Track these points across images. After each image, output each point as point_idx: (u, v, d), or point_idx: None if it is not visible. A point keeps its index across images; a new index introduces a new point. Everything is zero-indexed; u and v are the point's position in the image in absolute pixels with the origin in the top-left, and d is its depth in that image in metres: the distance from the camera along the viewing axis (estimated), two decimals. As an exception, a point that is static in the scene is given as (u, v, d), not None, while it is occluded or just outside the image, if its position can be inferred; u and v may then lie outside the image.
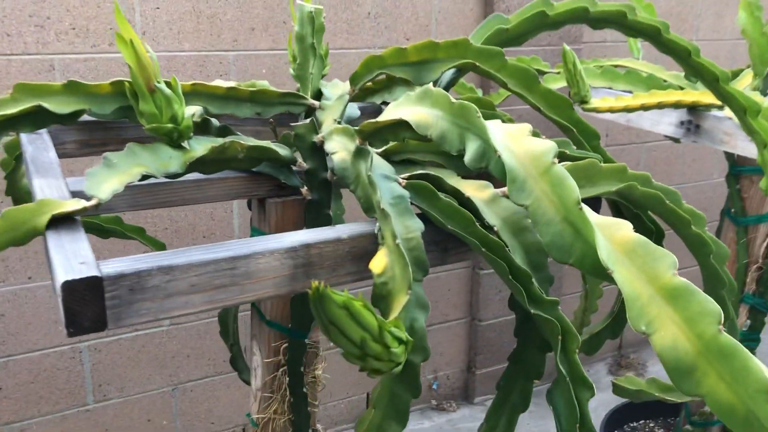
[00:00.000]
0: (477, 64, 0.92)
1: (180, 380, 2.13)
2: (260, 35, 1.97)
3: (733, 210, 1.61)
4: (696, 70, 1.04)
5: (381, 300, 0.72)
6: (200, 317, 2.10)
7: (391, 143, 0.89)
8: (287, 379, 1.06)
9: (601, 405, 2.56)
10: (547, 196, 0.59)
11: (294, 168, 0.96)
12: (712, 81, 1.02)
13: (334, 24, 2.06)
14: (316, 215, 0.95)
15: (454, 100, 0.68)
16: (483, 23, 1.06)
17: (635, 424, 2.04)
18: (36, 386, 1.93)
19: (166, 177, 0.85)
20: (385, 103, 1.11)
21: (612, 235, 0.56)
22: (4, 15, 1.68)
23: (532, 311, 0.76)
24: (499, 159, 0.62)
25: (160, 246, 1.30)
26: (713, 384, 0.50)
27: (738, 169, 1.59)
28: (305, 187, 0.95)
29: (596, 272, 0.56)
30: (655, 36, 1.01)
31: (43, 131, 0.97)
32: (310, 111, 1.04)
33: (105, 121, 1.03)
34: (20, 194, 1.24)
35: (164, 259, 0.69)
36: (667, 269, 0.53)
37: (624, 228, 0.57)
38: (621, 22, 1.01)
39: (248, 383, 1.17)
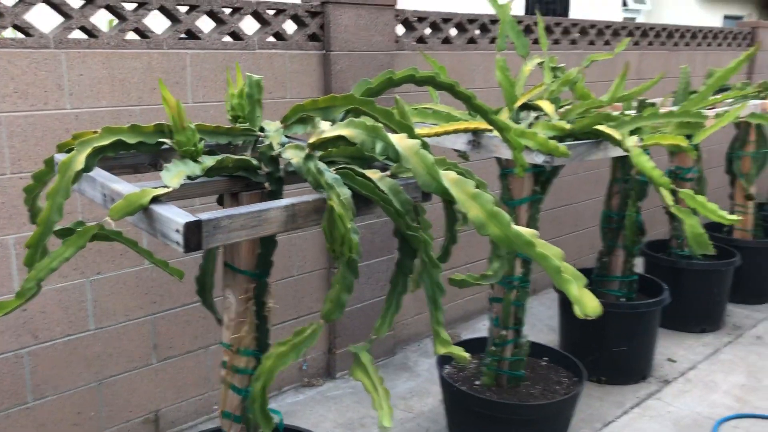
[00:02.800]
0: (360, 107, 1.63)
1: (104, 376, 2.56)
2: (159, 94, 2.53)
3: (505, 197, 2.48)
4: (475, 108, 1.83)
5: (324, 229, 1.40)
6: (120, 321, 2.56)
7: (321, 153, 1.57)
8: (254, 308, 1.68)
9: (434, 366, 3.35)
10: (418, 163, 1.32)
11: (259, 172, 1.60)
12: (485, 114, 1.83)
13: (215, 83, 2.68)
14: (274, 200, 1.60)
15: (368, 123, 1.40)
16: (358, 83, 1.78)
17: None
18: (-15, 389, 2.28)
19: (189, 179, 1.46)
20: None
21: (447, 175, 1.30)
22: (-37, 82, 2.10)
23: (408, 232, 1.49)
24: (395, 149, 1.34)
25: (148, 253, 1.83)
26: (493, 228, 1.24)
27: (506, 170, 2.47)
28: (267, 183, 1.60)
29: (443, 192, 1.29)
30: (451, 89, 1.80)
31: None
32: (256, 140, 1.69)
33: (121, 157, 1.60)
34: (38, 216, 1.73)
35: (227, 212, 1.32)
36: (471, 187, 1.28)
37: (452, 174, 1.31)
38: (433, 82, 1.78)
39: (220, 321, 1.76)
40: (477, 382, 2.60)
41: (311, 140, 1.50)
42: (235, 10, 2.70)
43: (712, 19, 11.14)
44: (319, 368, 3.30)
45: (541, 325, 3.90)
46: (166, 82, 2.55)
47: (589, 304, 1.20)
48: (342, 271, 1.43)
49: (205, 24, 2.65)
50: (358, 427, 2.89)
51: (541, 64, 2.66)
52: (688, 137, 2.29)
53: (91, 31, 2.36)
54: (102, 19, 2.46)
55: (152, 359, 2.68)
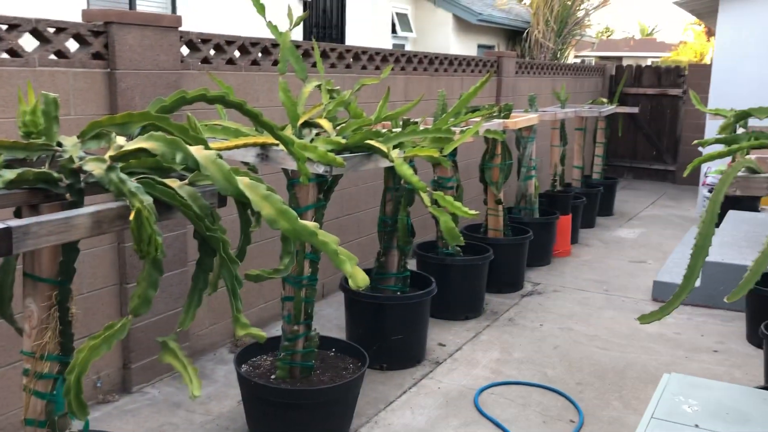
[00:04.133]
0: (156, 122, 1.81)
1: None
2: (-69, 108, 2.44)
3: (292, 205, 2.75)
4: (263, 125, 2.08)
5: (132, 231, 1.56)
6: None
7: (122, 164, 1.72)
8: (58, 314, 1.76)
9: (230, 372, 3.51)
10: (216, 171, 1.54)
11: (60, 184, 1.70)
12: (272, 130, 2.08)
13: None
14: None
15: (167, 137, 1.58)
16: (153, 101, 1.94)
17: (255, 358, 3.03)
18: None
19: (-10, 191, 1.54)
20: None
21: (242, 180, 1.53)
22: None
23: (207, 233, 1.69)
24: (194, 159, 1.54)
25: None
26: (283, 223, 1.50)
27: (292, 181, 2.74)
28: (68, 194, 1.70)
29: (239, 195, 1.52)
30: (240, 107, 2.03)
31: None
32: (54, 154, 1.78)
33: None
34: None
35: (37, 219, 1.42)
36: (263, 189, 1.52)
37: (246, 179, 1.55)
38: (223, 101, 2.00)
39: (20, 331, 1.81)
40: (272, 377, 2.83)
41: (112, 153, 1.65)
42: (13, 26, 2.68)
43: (469, 46, 12.52)
44: (114, 384, 3.30)
45: (330, 325, 4.23)
46: (-62, 97, 2.46)
47: (359, 277, 1.50)
48: (148, 269, 1.59)
49: (-20, 39, 2.60)
50: (158, 435, 2.96)
51: (319, 86, 2.98)
52: (441, 150, 2.75)
53: None
54: None
55: (-71, 388, 2.54)
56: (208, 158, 1.55)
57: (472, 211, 2.37)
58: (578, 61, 18.78)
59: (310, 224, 1.48)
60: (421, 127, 2.86)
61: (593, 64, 14.36)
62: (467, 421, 3.16)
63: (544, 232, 5.57)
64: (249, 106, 2.00)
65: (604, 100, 8.11)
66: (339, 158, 2.33)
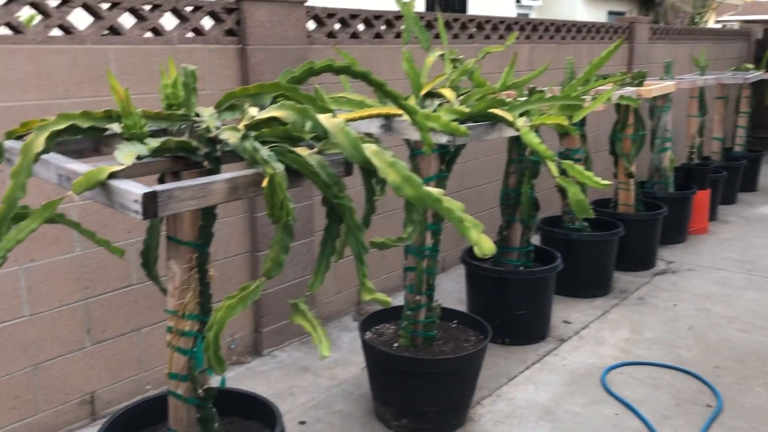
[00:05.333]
0: (286, 93, 1.85)
1: (39, 360, 2.65)
2: (86, 87, 2.65)
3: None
4: (387, 94, 2.09)
5: (266, 196, 1.62)
6: (53, 307, 2.66)
7: (255, 133, 1.78)
8: (197, 276, 1.87)
9: (354, 339, 3.60)
10: (343, 138, 1.56)
11: (198, 152, 1.79)
12: (396, 100, 2.08)
13: (138, 76, 2.81)
14: (213, 176, 1.79)
15: (298, 106, 1.62)
16: (283, 72, 1.99)
17: (378, 326, 3.08)
18: (-77, 377, 2.34)
19: (138, 159, 1.64)
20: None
21: (368, 147, 1.55)
22: None
23: (335, 201, 1.72)
24: (323, 127, 1.57)
25: (90, 234, 1.97)
26: (408, 189, 1.50)
27: (414, 151, 2.74)
28: (206, 162, 1.79)
29: (365, 162, 1.54)
30: (365, 77, 2.04)
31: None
32: (193, 124, 1.88)
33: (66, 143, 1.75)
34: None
35: (178, 184, 1.51)
36: (389, 157, 1.53)
37: (373, 146, 1.56)
38: (349, 71, 2.02)
39: (164, 291, 1.94)
40: (395, 345, 2.87)
41: (246, 122, 1.71)
42: (155, 6, 2.84)
43: (598, 14, 11.95)
44: (246, 346, 3.48)
45: (450, 298, 4.23)
46: (91, 76, 2.66)
47: (485, 245, 1.47)
48: (280, 234, 1.65)
49: (127, 20, 2.78)
50: (287, 396, 3.10)
51: (442, 56, 2.95)
52: (570, 118, 2.64)
53: (16, 28, 2.45)
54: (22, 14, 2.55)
55: (86, 343, 2.79)
56: (337, 126, 1.57)
57: (605, 181, 2.27)
58: (719, 26, 17.45)
59: (435, 191, 1.47)
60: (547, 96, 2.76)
61: (736, 28, 13.28)
62: (594, 399, 3.06)
63: (679, 207, 5.25)
64: (374, 75, 2.00)
65: (750, 66, 7.48)
66: (462, 127, 2.30)
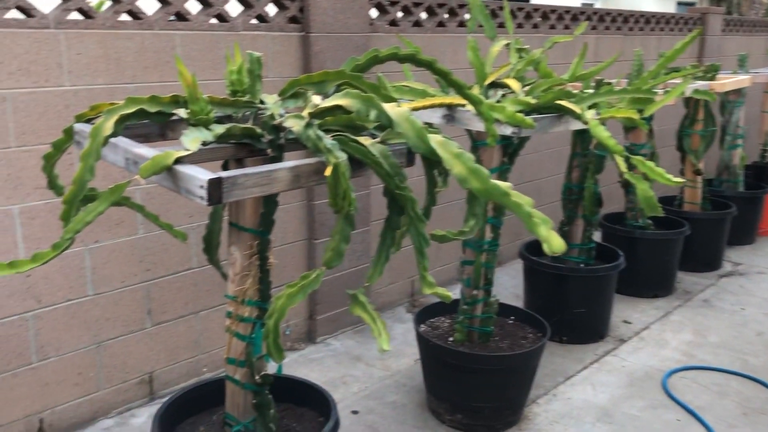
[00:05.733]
0: (350, 81, 1.83)
1: (102, 339, 2.72)
2: (152, 72, 2.69)
3: (476, 168, 2.70)
4: (452, 84, 2.04)
5: (329, 186, 1.60)
6: (116, 287, 2.72)
7: (318, 122, 1.76)
8: (258, 262, 1.87)
9: (407, 331, 3.58)
10: (408, 128, 1.53)
11: (262, 139, 1.79)
12: (461, 89, 2.03)
13: (202, 62, 2.83)
14: (275, 164, 1.78)
15: (363, 94, 1.59)
16: (347, 60, 1.97)
17: (433, 319, 3.05)
18: (-7, 350, 2.43)
19: (203, 145, 1.64)
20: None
21: (433, 138, 1.51)
22: (-30, 60, 2.23)
23: (397, 191, 1.69)
24: (388, 116, 1.54)
25: (154, 217, 2.00)
26: (474, 182, 1.46)
27: (477, 143, 2.69)
28: (269, 149, 1.78)
29: (430, 152, 1.50)
30: (430, 66, 2.00)
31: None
32: (257, 111, 1.87)
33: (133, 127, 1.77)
34: (54, 183, 1.89)
35: (242, 171, 1.50)
36: (455, 147, 1.49)
37: (438, 136, 1.52)
38: (414, 59, 1.98)
39: (225, 276, 1.95)
40: (450, 339, 2.83)
41: (310, 110, 1.69)
42: (221, -8, 2.86)
43: (667, 4, 11.55)
44: (300, 333, 3.50)
45: (506, 293, 4.16)
46: (157, 61, 2.70)
47: (555, 242, 1.42)
48: (341, 224, 1.63)
49: (193, 6, 2.80)
50: (340, 385, 3.10)
51: (507, 45, 2.88)
52: (640, 112, 2.54)
53: (87, 12, 2.49)
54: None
55: (147, 324, 2.85)
56: (402, 115, 1.54)
57: (677, 179, 2.17)
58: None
59: (503, 184, 1.42)
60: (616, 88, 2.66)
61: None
62: (654, 403, 2.97)
63: (749, 207, 5.04)
64: (439, 64, 1.96)
65: (830, 60, 7.10)
66: (528, 119, 2.23)
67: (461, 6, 3.95)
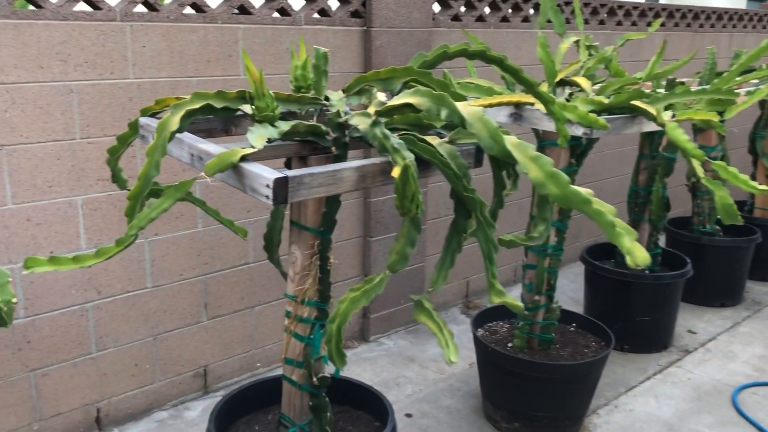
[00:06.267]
0: (418, 78, 1.76)
1: (159, 331, 2.73)
2: (214, 66, 2.67)
3: (541, 169, 2.60)
4: (522, 81, 1.95)
5: (396, 187, 1.54)
6: (174, 280, 2.72)
7: (384, 119, 1.71)
8: (318, 262, 1.82)
9: (462, 333, 3.50)
10: (482, 128, 1.46)
11: (327, 137, 1.74)
12: (531, 87, 1.95)
13: (264, 56, 2.81)
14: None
15: (434, 92, 1.53)
16: (414, 57, 1.91)
17: (491, 323, 2.97)
18: (54, 339, 2.46)
19: (267, 142, 1.60)
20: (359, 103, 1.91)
21: (509, 139, 1.44)
22: (39, 53, 2.25)
23: (465, 194, 1.62)
24: (460, 115, 1.47)
25: (215, 213, 1.98)
26: (552, 187, 1.38)
27: (543, 143, 2.59)
28: (333, 147, 1.74)
29: (505, 155, 1.43)
30: (500, 63, 1.92)
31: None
32: (321, 108, 1.83)
33: (197, 122, 1.74)
34: (118, 176, 1.88)
35: (308, 170, 1.46)
36: (531, 150, 1.41)
37: (513, 138, 1.44)
38: (483, 56, 1.90)
39: (285, 275, 1.91)
40: (509, 345, 2.74)
41: (377, 107, 1.63)
42: (283, -14, 2.83)
43: (736, 1, 11.11)
44: (353, 331, 3.46)
45: (565, 297, 4.04)
46: (220, 54, 2.68)
47: (639, 255, 1.33)
48: (407, 227, 1.57)
49: (256, 0, 2.78)
50: (393, 386, 3.05)
51: (576, 42, 2.77)
52: (719, 114, 2.40)
53: (152, 5, 2.49)
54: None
55: (203, 317, 2.85)
56: (475, 114, 1.47)
57: (762, 186, 2.04)
58: None
59: (584, 190, 1.34)
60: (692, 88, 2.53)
61: None
62: (723, 420, 2.82)
63: (824, 214, 4.77)
64: (509, 61, 1.88)
65: None
66: (602, 120, 2.13)
67: (525, 1, 3.83)
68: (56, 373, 2.49)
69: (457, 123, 1.51)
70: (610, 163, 4.66)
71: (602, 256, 3.60)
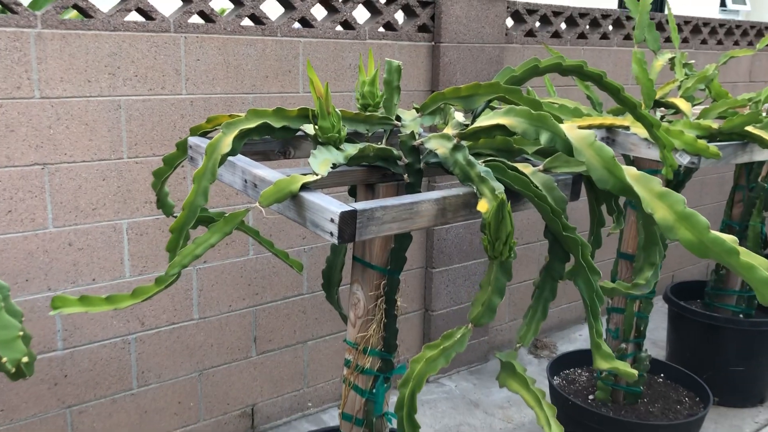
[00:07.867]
0: (505, 96, 1.51)
1: (204, 367, 2.52)
2: (272, 82, 2.48)
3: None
4: (622, 101, 1.69)
5: (487, 225, 1.29)
6: (222, 312, 2.52)
7: (467, 143, 1.46)
8: (384, 306, 1.58)
9: (531, 373, 3.20)
10: (593, 156, 1.20)
11: (399, 162, 1.51)
12: (634, 109, 1.68)
13: (325, 72, 2.61)
14: (412, 193, 1.50)
15: (532, 113, 1.28)
16: (500, 71, 1.66)
17: (568, 371, 2.67)
18: (93, 373, 2.27)
19: (332, 167, 1.37)
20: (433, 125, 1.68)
21: (628, 171, 1.17)
22: (87, 66, 2.09)
23: (563, 233, 1.36)
24: (566, 140, 1.21)
25: (269, 243, 1.77)
26: (684, 232, 1.11)
27: (634, 171, 2.30)
28: (406, 174, 1.50)
29: (623, 190, 1.16)
30: (599, 79, 1.66)
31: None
32: (392, 128, 1.60)
33: (252, 143, 1.53)
34: (164, 201, 1.69)
35: (380, 203, 1.22)
36: (657, 185, 1.14)
37: (633, 169, 1.18)
38: (581, 71, 1.65)
39: (344, 318, 1.67)
40: (591, 397, 2.44)
41: (457, 129, 1.39)
42: (353, -2, 2.63)
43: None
44: (412, 370, 3.19)
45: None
46: (279, 69, 2.49)
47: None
48: (495, 272, 1.31)
49: (318, 12, 2.59)
50: (455, 435, 2.77)
51: (671, 59, 2.48)
52: None
53: (209, 16, 2.32)
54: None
55: (252, 352, 2.63)
56: (585, 140, 1.21)
57: None
58: None
59: (728, 237, 1.06)
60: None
61: None
62: (839, 494, 2.45)
63: None
64: (609, 78, 1.62)
65: None
66: (713, 147, 1.84)
67: (605, 16, 3.56)
68: (94, 410, 2.30)
69: (560, 149, 1.25)
70: (689, 193, 4.30)
71: (688, 296, 3.26)
